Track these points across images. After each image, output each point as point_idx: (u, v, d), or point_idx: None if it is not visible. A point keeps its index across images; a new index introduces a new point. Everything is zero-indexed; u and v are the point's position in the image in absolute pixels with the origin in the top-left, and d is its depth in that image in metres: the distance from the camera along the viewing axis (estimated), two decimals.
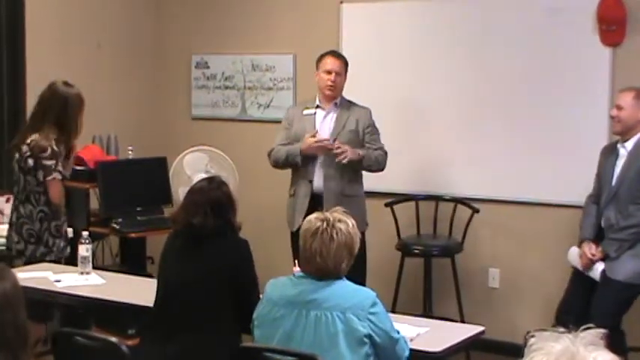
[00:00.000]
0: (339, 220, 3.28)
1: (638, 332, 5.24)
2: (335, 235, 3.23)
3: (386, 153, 5.45)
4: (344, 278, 3.32)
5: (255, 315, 3.42)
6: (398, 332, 3.33)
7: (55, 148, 4.96)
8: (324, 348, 3.16)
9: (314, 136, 5.29)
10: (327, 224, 3.25)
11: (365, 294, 3.26)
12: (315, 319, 3.21)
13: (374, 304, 3.22)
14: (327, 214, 3.30)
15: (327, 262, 3.24)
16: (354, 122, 5.41)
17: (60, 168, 4.98)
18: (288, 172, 5.56)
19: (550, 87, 5.76)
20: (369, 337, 3.19)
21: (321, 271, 3.26)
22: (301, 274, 3.34)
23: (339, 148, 5.23)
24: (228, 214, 3.95)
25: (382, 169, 5.49)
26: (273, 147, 5.52)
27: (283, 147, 5.47)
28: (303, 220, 5.23)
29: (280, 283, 3.39)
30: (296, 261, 4.28)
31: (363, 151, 5.35)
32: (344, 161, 5.23)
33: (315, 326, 3.20)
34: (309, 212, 5.28)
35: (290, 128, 5.52)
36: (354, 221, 3.35)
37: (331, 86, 5.40)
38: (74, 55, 6.53)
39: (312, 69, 5.64)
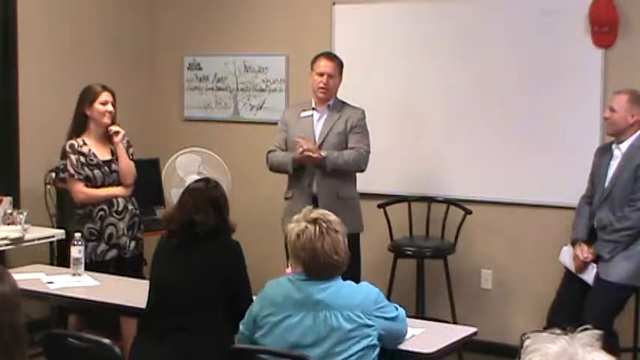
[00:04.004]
0: (323, 214, 3.33)
1: (629, 333, 5.26)
2: (336, 228, 3.30)
3: (366, 153, 5.36)
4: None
5: (254, 315, 3.38)
6: (396, 309, 3.41)
7: (66, 148, 5.02)
8: (334, 346, 3.20)
9: (301, 145, 5.25)
10: (324, 221, 3.29)
11: (369, 289, 3.33)
12: (325, 320, 3.22)
13: (378, 298, 3.30)
14: (309, 216, 3.32)
15: (342, 254, 3.29)
16: (342, 124, 5.38)
17: (72, 168, 5.01)
18: (281, 174, 5.55)
19: (542, 88, 5.77)
20: (378, 330, 3.26)
21: (336, 270, 3.30)
22: (301, 276, 3.33)
23: (309, 150, 5.24)
24: (225, 214, 3.97)
25: (360, 170, 5.42)
26: (272, 148, 5.51)
27: (280, 153, 5.46)
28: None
29: (282, 286, 3.36)
30: (289, 262, 4.29)
31: (327, 153, 5.27)
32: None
33: (324, 326, 3.22)
34: None
35: (286, 130, 5.51)
36: None
37: (323, 89, 5.39)
38: (67, 55, 6.52)
39: (304, 70, 5.63)
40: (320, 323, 3.22)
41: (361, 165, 5.39)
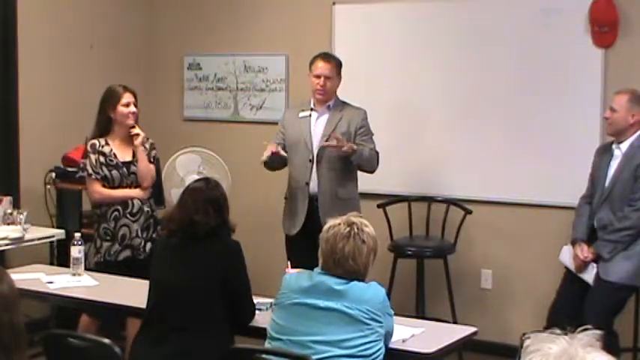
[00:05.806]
0: (366, 225, 3.43)
1: (629, 333, 5.26)
2: (366, 239, 3.38)
3: (377, 154, 5.42)
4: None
5: (273, 301, 3.57)
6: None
7: (87, 147, 5.04)
8: (335, 335, 3.28)
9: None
10: (358, 229, 3.39)
11: (377, 287, 3.42)
12: (329, 309, 3.31)
13: (385, 297, 3.40)
14: (352, 219, 3.42)
15: (359, 264, 3.38)
16: (345, 124, 5.38)
17: (90, 168, 5.00)
18: (281, 174, 5.55)
19: (542, 88, 5.77)
20: (385, 327, 3.36)
21: (350, 274, 3.38)
22: (320, 270, 3.44)
23: (340, 141, 5.19)
24: (225, 214, 3.96)
25: (373, 171, 5.45)
26: None
27: None
28: (302, 224, 5.29)
29: (299, 275, 3.51)
30: (289, 262, 4.29)
31: (357, 147, 5.27)
32: (335, 147, 5.18)
33: (328, 315, 3.31)
34: (308, 215, 5.29)
35: (284, 132, 5.51)
36: None
37: (320, 91, 5.38)
38: (66, 56, 6.52)
39: (304, 70, 5.63)
40: (325, 310, 3.32)
41: (374, 165, 5.42)
